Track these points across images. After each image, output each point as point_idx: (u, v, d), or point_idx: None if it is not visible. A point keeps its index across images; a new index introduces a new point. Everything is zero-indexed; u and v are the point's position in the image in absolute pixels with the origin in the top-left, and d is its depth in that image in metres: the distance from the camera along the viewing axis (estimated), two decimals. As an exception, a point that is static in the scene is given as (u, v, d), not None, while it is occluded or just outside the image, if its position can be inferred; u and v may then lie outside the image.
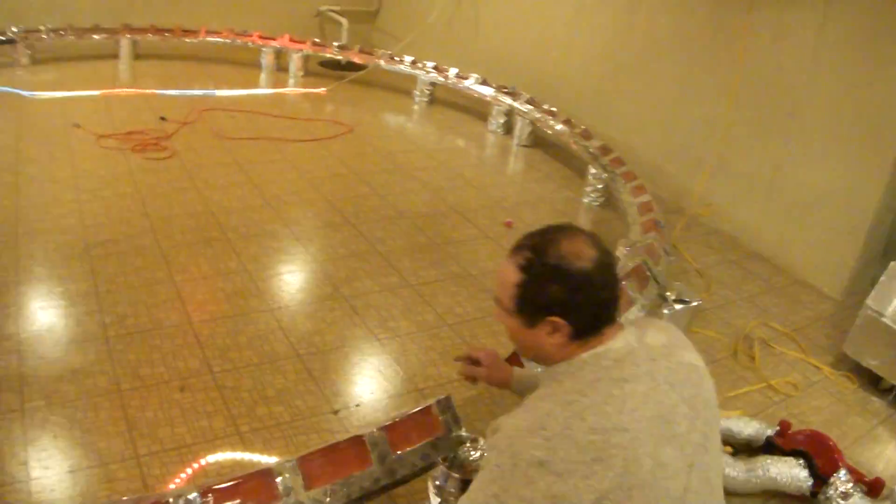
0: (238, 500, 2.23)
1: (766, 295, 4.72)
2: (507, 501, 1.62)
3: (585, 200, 5.65)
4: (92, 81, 7.53)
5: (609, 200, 5.55)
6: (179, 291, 4.05)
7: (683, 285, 4.03)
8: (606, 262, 1.79)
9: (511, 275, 1.82)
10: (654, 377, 1.71)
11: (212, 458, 2.95)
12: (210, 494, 2.19)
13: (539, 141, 6.74)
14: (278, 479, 2.28)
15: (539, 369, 2.15)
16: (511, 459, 1.63)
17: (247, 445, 3.02)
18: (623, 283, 3.58)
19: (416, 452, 2.50)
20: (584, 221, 5.35)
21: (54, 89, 7.15)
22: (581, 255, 1.74)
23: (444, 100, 7.87)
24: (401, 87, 8.10)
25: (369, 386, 3.45)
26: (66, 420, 3.07)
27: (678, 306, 3.86)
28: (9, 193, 5.03)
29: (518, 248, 1.84)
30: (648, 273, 3.89)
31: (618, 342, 1.76)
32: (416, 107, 7.80)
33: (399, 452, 2.48)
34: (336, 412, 3.23)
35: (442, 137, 7.00)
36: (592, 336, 1.78)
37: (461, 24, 8.36)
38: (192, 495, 2.17)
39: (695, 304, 3.94)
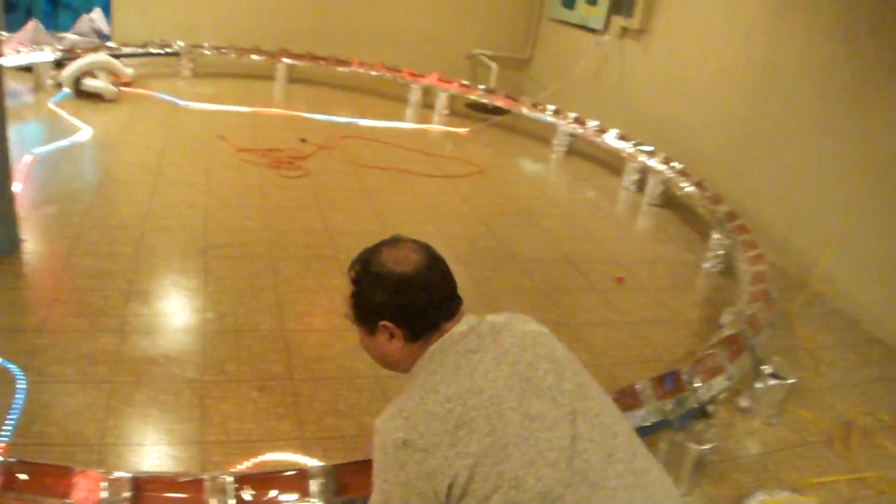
0: (268, 492, 2.32)
1: (879, 383, 4.44)
2: (391, 490, 1.69)
3: (705, 265, 5.53)
4: (244, 99, 7.98)
5: (729, 267, 5.42)
6: (281, 300, 4.23)
7: (784, 361, 3.87)
8: (430, 265, 1.91)
9: (346, 288, 1.96)
10: (501, 344, 1.82)
11: (270, 455, 3.05)
12: (243, 482, 2.29)
13: (669, 201, 6.66)
14: (311, 481, 2.35)
15: None
16: (381, 449, 1.71)
17: (307, 450, 3.11)
18: (712, 350, 3.51)
19: None
20: (700, 286, 5.25)
21: (207, 102, 7.60)
22: (400, 261, 1.88)
23: (581, 151, 7.90)
24: (541, 135, 8.19)
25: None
26: (147, 399, 3.26)
27: (772, 381, 3.73)
28: (146, 190, 5.40)
29: (351, 264, 1.97)
30: (745, 344, 3.78)
31: (460, 326, 1.88)
32: (553, 155, 7.86)
33: None
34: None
35: (572, 188, 7.04)
36: (431, 333, 1.88)
37: (607, 78, 8.42)
38: (228, 479, 2.27)
39: (791, 381, 3.78)
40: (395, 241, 1.95)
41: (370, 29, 9.74)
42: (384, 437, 1.71)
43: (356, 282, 1.93)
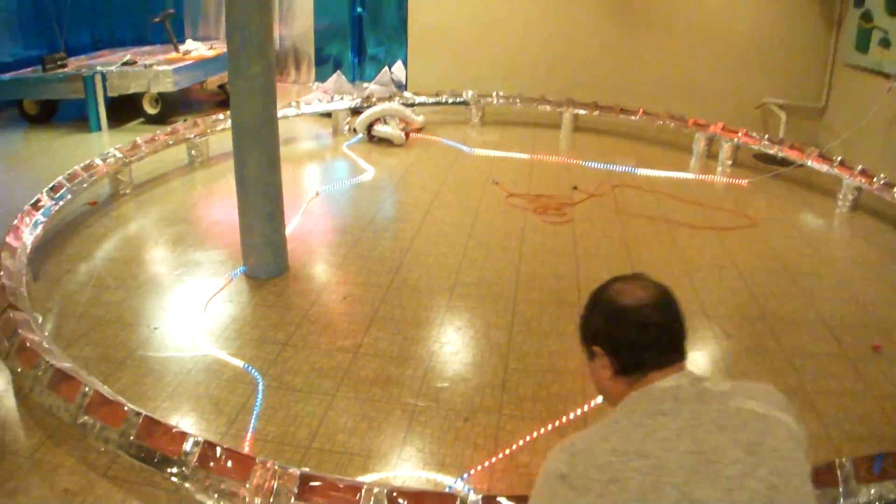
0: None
1: None
2: None
3: None
4: (526, 146, 8.31)
5: None
6: (511, 340, 4.40)
7: None
8: (654, 305, 1.84)
9: (582, 315, 1.97)
10: (697, 416, 1.69)
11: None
12: (398, 495, 2.47)
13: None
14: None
15: None
16: (544, 473, 1.72)
17: (493, 482, 3.22)
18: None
19: None
20: None
21: (492, 148, 8.00)
22: (626, 293, 1.86)
23: (869, 206, 7.26)
24: (828, 189, 7.66)
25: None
26: (360, 414, 3.60)
27: None
28: (413, 228, 5.84)
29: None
30: None
31: (666, 381, 1.80)
32: (836, 210, 7.29)
33: None
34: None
35: (849, 246, 6.53)
36: (638, 375, 1.84)
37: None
38: (383, 490, 2.46)
39: None
40: (634, 276, 1.96)
41: (657, 79, 9.78)
42: (549, 464, 1.73)
43: (587, 305, 1.97)
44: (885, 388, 4.23)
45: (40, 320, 4.15)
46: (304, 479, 2.57)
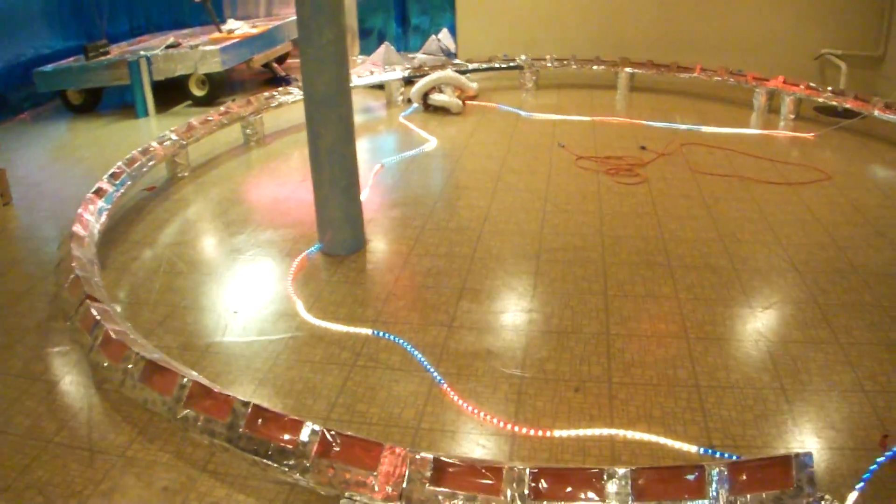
0: (564, 487, 2.27)
1: None
2: None
3: None
4: (585, 108, 8.06)
5: None
6: (608, 304, 4.19)
7: None
8: None
9: None
10: None
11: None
12: (541, 473, 2.27)
13: None
14: (609, 482, 2.27)
15: None
16: None
17: (615, 451, 3.02)
18: None
19: (755, 500, 2.31)
20: None
21: (550, 112, 7.76)
22: None
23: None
24: (896, 139, 7.38)
25: (755, 431, 3.25)
26: (467, 390, 3.39)
27: None
28: (486, 196, 5.64)
29: None
30: None
31: None
32: (908, 161, 7.03)
33: (737, 496, 2.32)
34: (712, 447, 3.08)
35: (933, 198, 6.24)
36: None
37: None
38: (527, 469, 2.25)
39: None
40: None
41: (711, 34, 9.44)
42: None
43: None
44: None
45: (118, 310, 3.98)
46: (438, 465, 2.36)
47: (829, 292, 4.43)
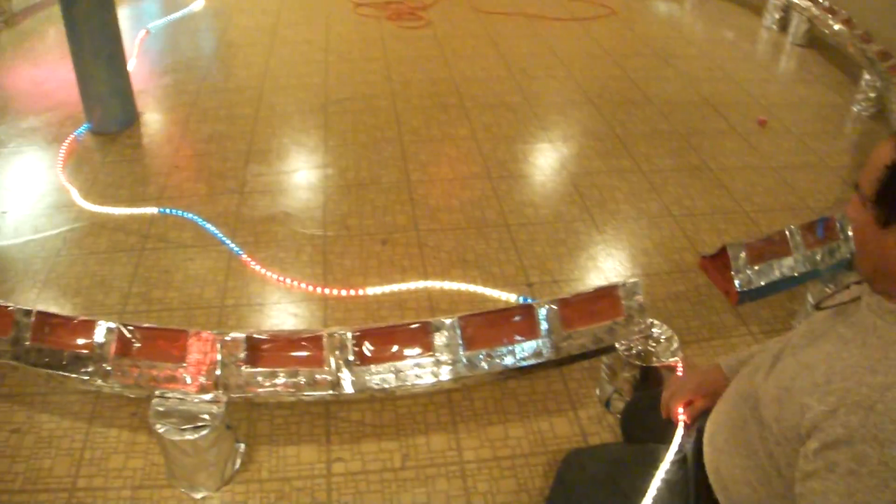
0: (390, 347, 2.15)
1: None
2: None
3: (854, 109, 4.90)
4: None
5: (881, 111, 4.79)
6: (405, 151, 4.01)
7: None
8: None
9: (885, 154, 1.26)
10: None
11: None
12: (364, 336, 2.13)
13: (815, 41, 5.94)
14: (436, 334, 2.15)
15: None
16: (876, 445, 1.13)
17: (432, 301, 2.93)
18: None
19: (589, 333, 2.26)
20: (848, 131, 4.67)
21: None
22: None
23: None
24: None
25: (572, 264, 3.22)
26: (268, 258, 3.14)
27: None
28: (263, 52, 5.25)
29: None
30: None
31: None
32: (688, -6, 7.18)
33: (569, 331, 2.26)
34: (530, 285, 3.05)
35: (710, 28, 6.40)
36: None
37: None
38: (348, 334, 2.11)
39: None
40: None
41: None
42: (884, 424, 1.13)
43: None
44: (782, 159, 4.17)
45: None
46: (252, 343, 2.16)
47: (627, 123, 4.45)
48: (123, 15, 6.03)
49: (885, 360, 1.19)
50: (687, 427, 1.66)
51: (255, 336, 2.15)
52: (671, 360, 2.25)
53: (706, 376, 1.75)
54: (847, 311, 1.37)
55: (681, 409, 1.67)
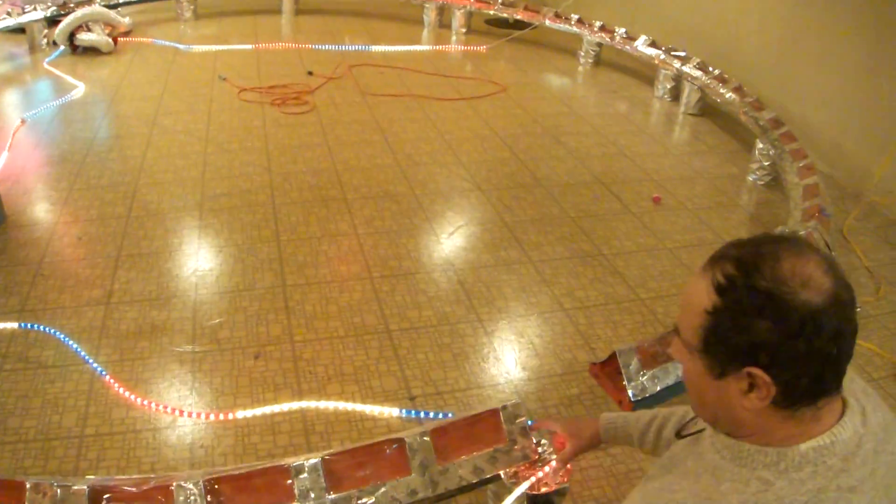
0: (248, 498, 2.06)
1: (951, 302, 3.93)
2: None
3: (750, 178, 5.04)
4: (249, 36, 7.60)
5: (776, 180, 4.95)
6: (281, 252, 3.92)
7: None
8: (844, 300, 1.15)
9: (702, 296, 1.21)
10: (874, 478, 1.19)
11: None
12: (217, 485, 2.03)
13: (707, 110, 6.13)
14: (296, 480, 2.07)
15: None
16: None
17: (306, 423, 2.85)
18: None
19: (469, 463, 2.18)
20: (745, 202, 4.80)
21: (211, 43, 7.26)
22: (809, 283, 1.13)
23: (610, 61, 7.34)
24: (566, 47, 7.64)
25: (457, 372, 3.14)
26: (133, 377, 3.01)
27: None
28: (140, 144, 5.10)
29: (717, 260, 1.22)
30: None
31: (846, 430, 1.19)
32: (580, 68, 7.30)
33: (446, 463, 2.15)
34: (412, 398, 2.98)
35: (601, 101, 6.53)
36: (805, 407, 1.18)
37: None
38: (196, 484, 2.01)
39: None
40: (795, 246, 1.18)
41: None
42: None
43: (726, 292, 1.18)
44: (678, 237, 4.22)
45: None
46: (93, 496, 2.04)
47: (515, 208, 4.45)
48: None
49: (707, 501, 1.18)
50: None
51: (97, 485, 2.04)
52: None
53: (580, 420, 1.89)
54: (699, 439, 1.35)
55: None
